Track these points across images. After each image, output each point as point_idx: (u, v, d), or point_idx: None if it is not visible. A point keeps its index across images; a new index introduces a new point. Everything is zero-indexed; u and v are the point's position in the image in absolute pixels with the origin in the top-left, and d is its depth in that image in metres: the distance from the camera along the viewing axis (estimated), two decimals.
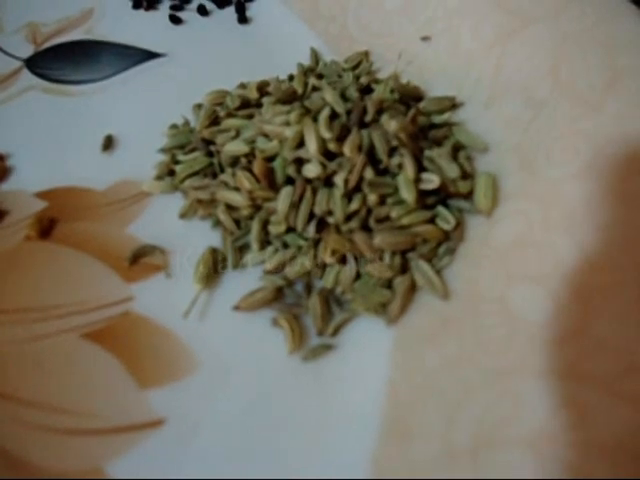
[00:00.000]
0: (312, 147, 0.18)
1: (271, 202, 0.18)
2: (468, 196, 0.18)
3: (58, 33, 0.28)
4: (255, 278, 0.19)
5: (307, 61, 0.25)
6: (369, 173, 0.17)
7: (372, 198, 0.17)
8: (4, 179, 0.22)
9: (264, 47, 0.27)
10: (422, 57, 0.23)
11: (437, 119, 0.20)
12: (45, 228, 0.20)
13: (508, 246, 0.17)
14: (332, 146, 0.18)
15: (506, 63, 0.20)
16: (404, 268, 0.18)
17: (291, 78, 0.23)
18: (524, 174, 0.18)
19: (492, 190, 0.18)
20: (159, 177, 0.21)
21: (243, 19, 0.28)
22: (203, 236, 0.20)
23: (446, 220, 0.18)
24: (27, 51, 0.27)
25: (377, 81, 0.22)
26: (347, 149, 0.18)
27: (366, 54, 0.24)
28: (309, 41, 0.26)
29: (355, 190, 0.18)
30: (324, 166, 0.18)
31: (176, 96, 0.25)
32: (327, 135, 0.18)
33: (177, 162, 0.22)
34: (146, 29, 0.28)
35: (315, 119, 0.19)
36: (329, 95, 0.19)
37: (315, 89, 0.22)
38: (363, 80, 0.22)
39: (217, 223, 0.20)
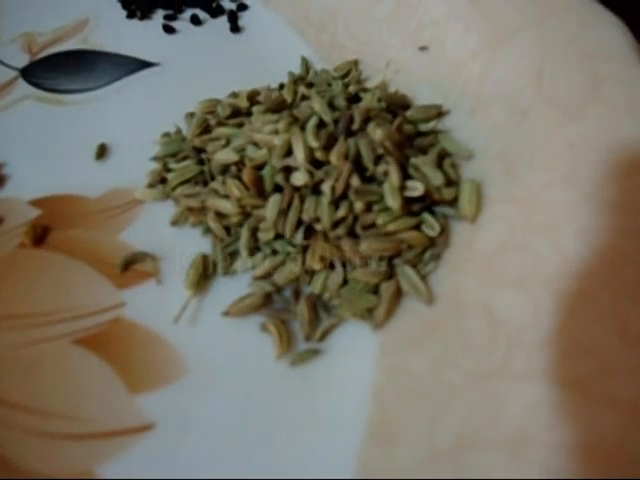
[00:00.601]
0: (300, 156, 0.18)
1: (260, 209, 0.19)
2: (453, 203, 0.19)
3: (53, 43, 0.28)
4: (244, 284, 0.19)
5: (298, 69, 0.26)
6: (355, 181, 0.18)
7: (358, 205, 0.18)
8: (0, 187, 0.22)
9: (256, 56, 0.27)
10: (409, 65, 0.23)
11: (423, 127, 0.20)
12: (39, 235, 0.20)
13: (491, 251, 0.17)
14: (319, 154, 0.18)
15: (491, 71, 0.21)
16: (390, 274, 0.18)
17: (282, 87, 0.24)
18: (508, 180, 0.18)
19: (476, 196, 0.18)
20: (151, 185, 0.22)
21: (235, 28, 0.28)
22: (194, 243, 0.20)
23: (431, 226, 0.18)
24: (22, 61, 0.27)
25: (365, 90, 0.22)
26: (334, 157, 0.18)
27: (355, 63, 0.24)
28: (300, 50, 0.27)
29: (342, 197, 0.18)
30: (311, 174, 0.18)
31: (169, 105, 0.25)
32: (314, 144, 0.18)
33: (169, 170, 0.22)
34: (140, 39, 0.28)
35: (303, 128, 0.19)
36: (317, 104, 0.20)
37: (305, 98, 0.22)
38: (352, 89, 0.22)
39: (207, 230, 0.20)
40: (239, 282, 0.19)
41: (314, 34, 0.27)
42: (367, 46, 0.25)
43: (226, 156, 0.20)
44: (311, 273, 0.18)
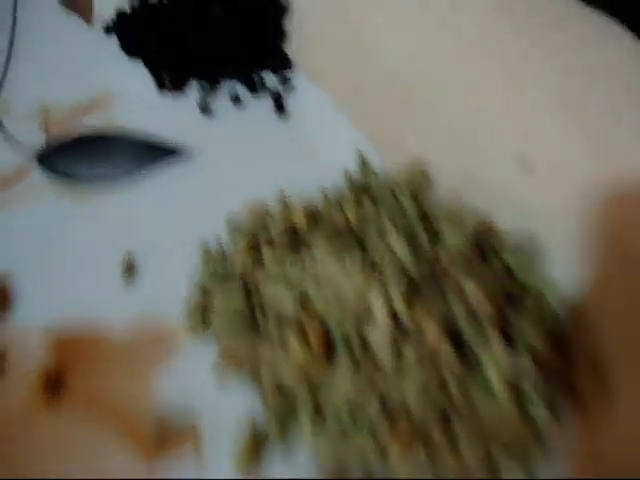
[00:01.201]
0: (382, 319, 0.15)
1: (326, 372, 0.16)
2: (560, 372, 0.16)
3: (72, 119, 0.25)
4: (303, 460, 0.16)
5: (352, 162, 0.22)
6: (449, 354, 0.15)
7: (454, 386, 0.14)
8: (6, 310, 0.19)
9: (303, 143, 0.24)
10: (489, 177, 0.20)
11: (522, 275, 0.17)
12: (52, 383, 0.17)
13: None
14: (401, 308, 0.15)
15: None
16: (489, 469, 0.15)
17: (340, 200, 0.20)
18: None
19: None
20: (190, 322, 0.18)
21: (281, 109, 0.25)
22: (240, 396, 0.17)
23: (539, 413, 0.15)
24: (38, 140, 0.24)
25: (447, 221, 0.18)
26: (423, 319, 0.15)
27: (420, 165, 0.21)
28: (354, 139, 0.24)
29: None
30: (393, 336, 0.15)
31: (204, 200, 0.22)
32: (401, 304, 0.15)
33: (207, 293, 0.19)
34: (171, 118, 0.25)
35: (379, 271, 0.16)
36: (397, 244, 0.16)
37: (368, 216, 0.19)
38: (423, 204, 0.19)
39: (256, 380, 0.17)
40: (296, 457, 0.16)
41: (370, 124, 0.24)
42: (430, 143, 0.22)
43: (281, 295, 0.17)
44: (386, 455, 0.15)
